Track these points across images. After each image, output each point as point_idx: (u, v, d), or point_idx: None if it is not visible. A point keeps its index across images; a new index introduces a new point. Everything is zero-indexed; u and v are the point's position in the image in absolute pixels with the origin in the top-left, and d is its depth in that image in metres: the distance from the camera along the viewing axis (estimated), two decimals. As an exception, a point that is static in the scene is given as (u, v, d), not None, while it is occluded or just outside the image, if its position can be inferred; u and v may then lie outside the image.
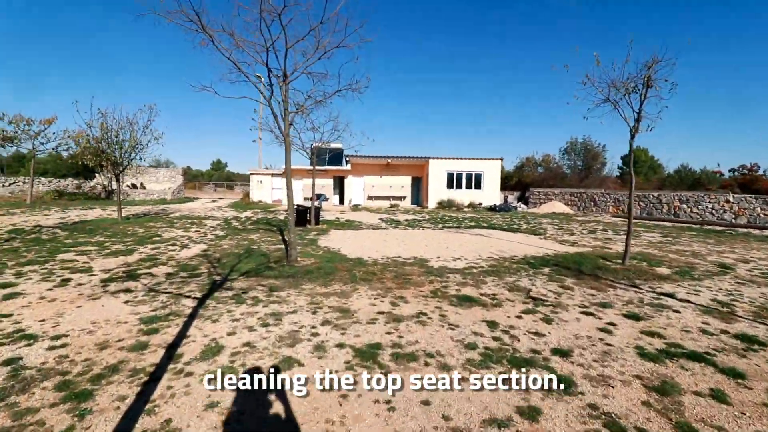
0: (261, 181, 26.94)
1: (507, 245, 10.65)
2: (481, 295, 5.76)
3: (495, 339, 4.08)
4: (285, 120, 7.12)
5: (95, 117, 13.02)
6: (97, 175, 28.56)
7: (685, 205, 18.91)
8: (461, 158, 25.31)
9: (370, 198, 27.50)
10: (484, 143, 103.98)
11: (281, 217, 16.85)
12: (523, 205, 26.04)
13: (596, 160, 29.44)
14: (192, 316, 4.58)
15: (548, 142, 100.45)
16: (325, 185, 26.82)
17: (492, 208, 23.51)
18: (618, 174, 35.14)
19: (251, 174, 26.98)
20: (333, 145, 29.24)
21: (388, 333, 4.18)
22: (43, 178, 26.81)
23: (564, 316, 4.89)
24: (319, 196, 22.65)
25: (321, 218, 16.65)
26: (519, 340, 4.07)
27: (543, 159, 30.84)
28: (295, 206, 13.95)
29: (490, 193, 25.33)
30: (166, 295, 5.45)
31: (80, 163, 14.99)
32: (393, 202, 26.74)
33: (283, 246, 9.61)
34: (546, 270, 7.58)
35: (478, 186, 25.56)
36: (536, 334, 4.27)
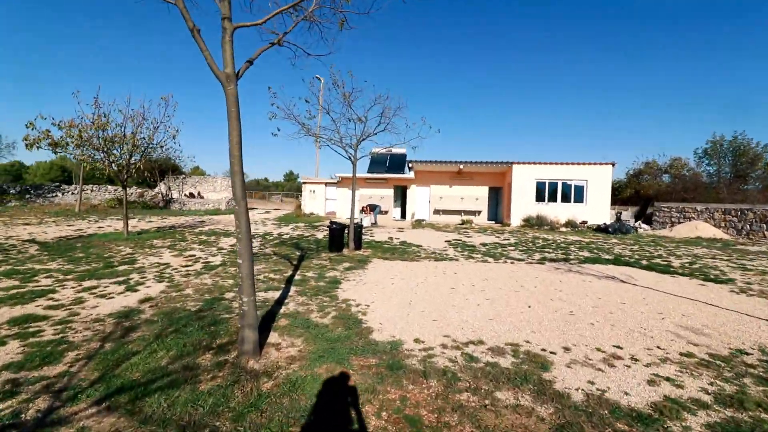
0: (314, 191, 24.04)
1: (691, 311, 5.50)
2: None
3: None
4: (226, 42, 3.20)
5: (92, 108, 10.65)
6: (160, 183, 28.34)
7: None
8: (556, 163, 19.64)
9: (436, 212, 22.99)
10: (581, 145, 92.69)
11: (322, 236, 13.23)
12: (644, 225, 19.37)
13: (755, 166, 21.16)
14: None
15: (676, 144, 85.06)
16: (385, 196, 23.00)
17: (602, 229, 17.47)
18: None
19: (303, 183, 24.24)
20: (395, 150, 25.51)
21: None
22: (110, 186, 27.09)
23: None
24: (373, 208, 18.83)
25: (369, 237, 12.68)
26: None
27: (671, 164, 23.22)
28: (331, 223, 10.17)
29: (597, 209, 19.18)
30: None
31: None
32: (465, 217, 21.90)
33: (277, 294, 5.71)
34: None
35: (579, 199, 19.58)
36: None
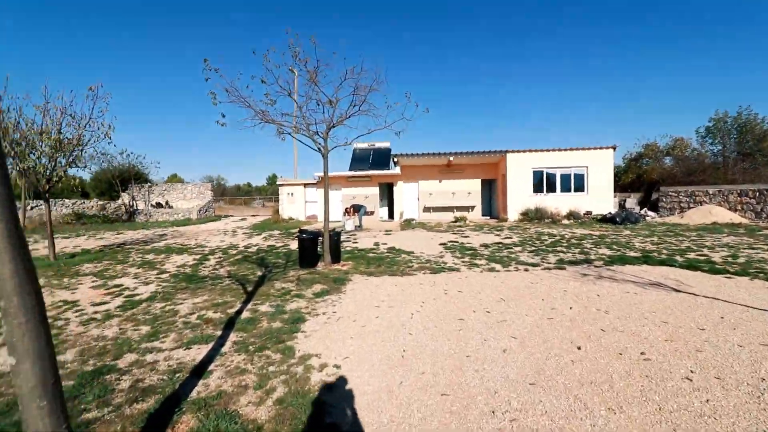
0: (292, 194, 22.00)
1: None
2: None
3: None
4: None
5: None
6: (123, 194, 25.88)
7: None
8: (553, 149, 18.06)
9: (426, 209, 21.23)
10: (572, 130, 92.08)
11: (296, 246, 11.26)
12: (650, 212, 17.95)
13: (763, 143, 19.80)
14: None
15: (671, 124, 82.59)
16: (370, 195, 21.13)
17: (608, 219, 15.94)
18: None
19: (280, 185, 22.17)
20: (378, 145, 23.65)
21: None
22: (67, 200, 24.49)
23: None
24: (357, 209, 16.93)
25: (352, 245, 10.77)
26: None
27: (674, 145, 21.74)
28: (300, 232, 8.24)
29: (600, 197, 17.67)
30: None
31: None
32: (458, 213, 20.18)
33: (202, 352, 3.78)
34: None
35: (580, 187, 18.04)
36: None
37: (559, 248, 9.96)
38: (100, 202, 25.14)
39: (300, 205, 21.94)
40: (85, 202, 25.01)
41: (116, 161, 25.19)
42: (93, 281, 7.27)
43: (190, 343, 4.08)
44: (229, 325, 4.61)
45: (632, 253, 8.95)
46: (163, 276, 7.58)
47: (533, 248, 10.02)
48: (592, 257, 8.62)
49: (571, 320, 4.55)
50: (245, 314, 4.99)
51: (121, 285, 6.89)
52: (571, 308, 5.02)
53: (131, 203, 24.73)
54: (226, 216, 27.12)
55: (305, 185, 21.96)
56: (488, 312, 4.92)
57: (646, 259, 8.25)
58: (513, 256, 8.99)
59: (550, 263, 8.06)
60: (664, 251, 9.17)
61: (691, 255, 8.59)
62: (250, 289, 6.33)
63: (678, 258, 8.29)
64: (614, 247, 9.96)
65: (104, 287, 6.74)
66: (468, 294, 5.81)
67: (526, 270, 7.46)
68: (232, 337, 4.23)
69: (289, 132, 7.62)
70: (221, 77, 7.05)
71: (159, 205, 26.03)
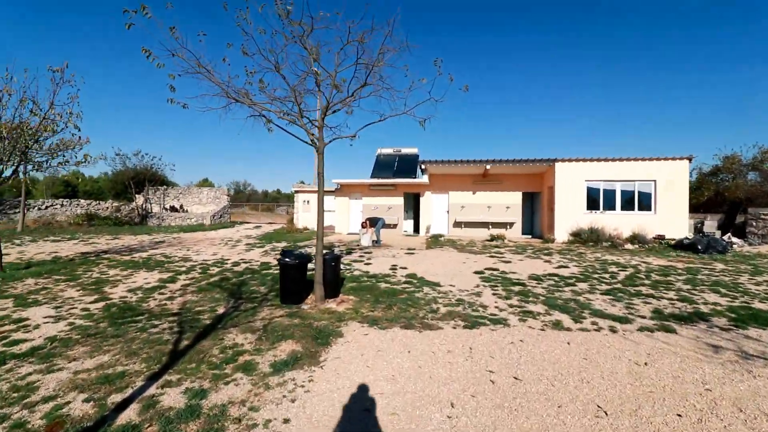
0: (308, 202, 20.10)
1: None
2: None
3: None
4: None
5: None
6: (138, 196, 25.01)
7: None
8: (613, 159, 15.09)
9: (457, 224, 18.66)
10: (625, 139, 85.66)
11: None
12: (735, 239, 14.54)
13: None
14: None
15: (740, 135, 75.29)
16: (393, 206, 18.85)
17: (685, 245, 12.78)
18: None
19: (295, 192, 20.32)
20: (404, 150, 21.41)
21: None
22: (82, 201, 23.85)
23: None
24: (374, 223, 14.65)
25: (364, 266, 8.45)
26: None
27: (762, 158, 17.90)
28: (282, 254, 6.05)
29: (672, 218, 14.48)
30: None
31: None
32: (494, 231, 17.49)
33: None
34: None
35: (645, 206, 14.92)
36: None
37: (641, 288, 7.22)
38: (115, 204, 24.35)
39: (316, 214, 19.97)
40: (100, 203, 24.31)
41: (130, 162, 24.45)
42: (2, 310, 5.39)
43: None
44: (80, 445, 2.42)
45: (760, 304, 6.11)
46: (94, 307, 5.58)
47: (605, 286, 7.33)
48: (702, 308, 5.86)
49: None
50: (128, 413, 2.79)
51: (25, 320, 4.93)
52: (756, 452, 2.46)
53: (144, 206, 23.74)
54: (241, 222, 25.66)
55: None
56: (585, 452, 2.45)
57: (798, 318, 5.41)
58: (581, 299, 6.37)
59: (644, 317, 5.40)
60: (808, 303, 6.25)
61: None
62: (186, 342, 4.17)
63: None
64: (721, 290, 7.09)
65: (0, 322, 4.81)
66: (532, 386, 3.34)
67: (614, 331, 4.86)
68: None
69: (262, 113, 5.47)
70: (179, 41, 5.05)
71: (174, 209, 24.92)
